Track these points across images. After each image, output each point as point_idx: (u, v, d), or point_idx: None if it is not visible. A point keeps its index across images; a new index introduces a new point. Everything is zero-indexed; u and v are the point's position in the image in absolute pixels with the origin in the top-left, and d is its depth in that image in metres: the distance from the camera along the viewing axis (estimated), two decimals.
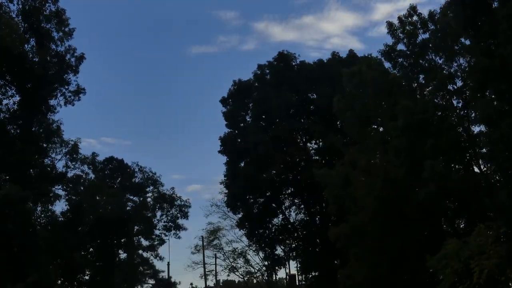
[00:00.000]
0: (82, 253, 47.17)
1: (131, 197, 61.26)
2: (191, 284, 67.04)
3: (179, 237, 62.71)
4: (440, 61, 32.11)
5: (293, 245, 51.88)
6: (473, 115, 29.93)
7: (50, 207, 43.43)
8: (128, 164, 62.40)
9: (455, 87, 31.46)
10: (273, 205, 50.33)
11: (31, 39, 40.15)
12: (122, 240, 53.93)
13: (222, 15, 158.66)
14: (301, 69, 49.72)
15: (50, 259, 39.76)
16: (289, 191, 50.77)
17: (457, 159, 31.17)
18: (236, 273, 56.56)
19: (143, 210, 60.68)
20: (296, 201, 50.91)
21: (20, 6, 39.45)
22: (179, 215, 63.03)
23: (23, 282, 31.87)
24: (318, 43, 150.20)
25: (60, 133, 42.24)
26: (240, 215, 51.46)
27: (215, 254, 57.32)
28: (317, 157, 49.19)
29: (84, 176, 50.66)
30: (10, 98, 40.06)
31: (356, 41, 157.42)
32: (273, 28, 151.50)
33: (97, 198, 49.89)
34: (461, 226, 32.38)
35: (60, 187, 44.36)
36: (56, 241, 38.74)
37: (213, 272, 58.33)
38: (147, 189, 63.37)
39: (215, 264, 57.77)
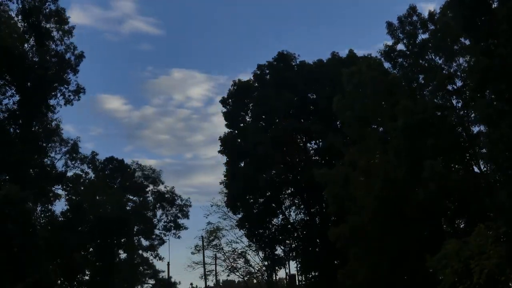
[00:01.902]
0: (82, 253, 47.09)
1: (131, 197, 61.27)
2: (191, 284, 67.13)
3: (179, 237, 62.85)
4: (440, 61, 32.15)
5: (293, 245, 51.87)
6: (473, 115, 29.95)
7: (50, 207, 43.46)
8: (128, 164, 62.48)
9: (455, 87, 31.49)
10: (273, 205, 50.30)
11: (31, 39, 40.18)
12: (122, 240, 53.87)
13: None
14: (300, 69, 49.73)
15: (50, 259, 39.72)
16: (289, 191, 50.75)
17: (457, 159, 31.21)
18: (236, 273, 56.70)
19: (143, 210, 60.66)
20: (296, 201, 50.89)
21: (20, 6, 39.50)
22: (179, 214, 63.16)
23: (23, 282, 31.85)
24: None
25: (59, 131, 42.22)
26: (240, 215, 51.47)
27: (215, 254, 57.46)
28: (317, 157, 49.20)
29: (84, 175, 50.66)
30: (9, 98, 40.14)
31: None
32: None
33: (97, 198, 49.81)
34: (461, 226, 32.39)
35: (60, 186, 44.33)
36: (56, 241, 38.69)
37: (213, 272, 58.44)
38: (147, 189, 63.41)
39: (215, 264, 57.89)
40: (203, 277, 57.46)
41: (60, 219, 43.60)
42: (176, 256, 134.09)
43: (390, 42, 33.70)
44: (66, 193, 45.53)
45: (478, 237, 21.97)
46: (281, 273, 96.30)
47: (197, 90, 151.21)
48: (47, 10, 40.40)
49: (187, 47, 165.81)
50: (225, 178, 50.78)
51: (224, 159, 50.93)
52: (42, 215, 42.93)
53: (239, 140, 50.17)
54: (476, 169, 31.23)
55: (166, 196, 63.38)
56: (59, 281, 44.01)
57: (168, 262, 75.63)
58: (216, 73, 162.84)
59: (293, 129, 47.97)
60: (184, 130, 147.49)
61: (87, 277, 47.99)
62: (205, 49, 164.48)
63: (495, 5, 24.02)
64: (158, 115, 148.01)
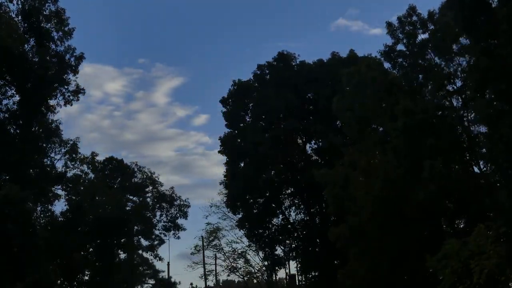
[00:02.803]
0: (82, 253, 47.10)
1: (131, 197, 61.28)
2: (191, 284, 67.14)
3: (178, 237, 62.93)
4: (440, 61, 32.17)
5: (293, 245, 51.88)
6: (473, 115, 29.97)
7: (50, 207, 43.49)
8: (128, 164, 62.51)
9: (455, 87, 31.52)
10: (273, 205, 50.31)
11: (31, 39, 40.19)
12: (122, 240, 53.89)
13: None
14: (300, 69, 49.73)
15: (50, 259, 39.74)
16: (289, 191, 50.75)
17: (457, 159, 31.21)
18: (236, 273, 56.69)
19: (142, 210, 60.68)
20: (296, 201, 50.87)
21: (20, 6, 39.50)
22: (178, 215, 63.21)
23: (23, 282, 31.87)
24: None
25: (59, 132, 42.29)
26: (240, 216, 51.48)
27: (215, 254, 57.44)
28: (317, 157, 49.21)
29: (83, 176, 50.67)
30: (9, 98, 40.12)
31: None
32: None
33: (97, 198, 49.82)
34: (461, 226, 32.39)
35: (59, 187, 44.36)
36: (56, 241, 38.72)
37: (213, 272, 58.43)
38: (147, 189, 63.45)
39: (215, 264, 57.87)
40: (203, 277, 57.52)
41: (60, 219, 43.60)
42: (176, 256, 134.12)
43: (390, 42, 33.76)
44: (66, 193, 45.57)
45: (478, 237, 21.95)
46: (281, 273, 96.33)
47: (113, 85, 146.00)
48: (47, 11, 40.42)
49: (90, 40, 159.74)
50: (225, 178, 50.81)
51: (222, 158, 51.07)
52: (42, 215, 42.98)
53: (239, 140, 50.18)
54: (476, 169, 31.30)
55: (166, 196, 63.45)
56: (59, 281, 44.03)
57: (168, 262, 76.00)
58: (127, 67, 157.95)
59: (293, 129, 48.00)
60: (111, 128, 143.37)
61: (87, 277, 47.98)
62: (112, 41, 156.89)
63: (495, 5, 24.04)
64: (80, 113, 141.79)
